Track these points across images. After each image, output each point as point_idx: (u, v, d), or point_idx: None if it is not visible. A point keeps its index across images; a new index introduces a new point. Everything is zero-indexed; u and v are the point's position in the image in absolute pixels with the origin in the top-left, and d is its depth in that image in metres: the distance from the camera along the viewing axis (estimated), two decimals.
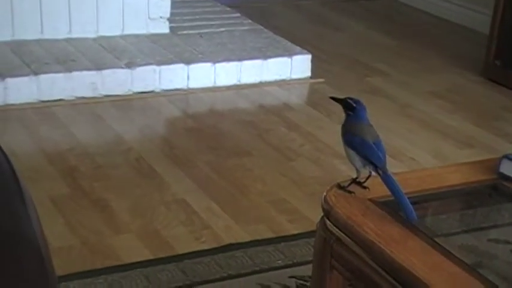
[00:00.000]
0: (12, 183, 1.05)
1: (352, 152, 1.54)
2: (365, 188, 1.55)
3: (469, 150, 3.04)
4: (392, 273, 1.35)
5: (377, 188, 1.51)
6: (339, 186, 1.56)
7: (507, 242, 1.74)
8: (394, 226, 1.43)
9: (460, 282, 1.30)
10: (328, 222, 1.51)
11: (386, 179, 1.48)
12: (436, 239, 1.46)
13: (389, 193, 1.48)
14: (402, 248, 1.37)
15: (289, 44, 3.82)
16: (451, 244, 1.56)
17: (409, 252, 1.35)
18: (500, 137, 3.18)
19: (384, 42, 4.41)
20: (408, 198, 1.48)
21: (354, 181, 1.56)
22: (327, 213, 1.50)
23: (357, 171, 1.55)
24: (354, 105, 1.56)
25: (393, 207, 1.49)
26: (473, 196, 1.78)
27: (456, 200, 1.77)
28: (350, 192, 1.55)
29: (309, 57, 3.70)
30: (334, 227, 1.49)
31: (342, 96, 1.60)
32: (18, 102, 3.12)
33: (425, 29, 4.77)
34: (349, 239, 1.45)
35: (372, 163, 1.50)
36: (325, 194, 1.54)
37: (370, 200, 1.52)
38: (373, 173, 1.52)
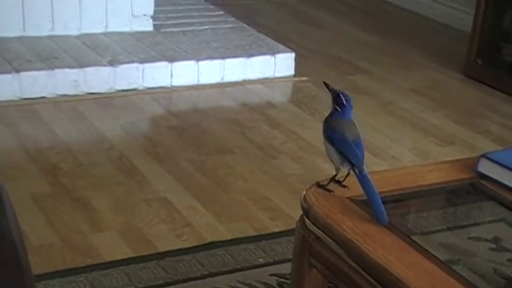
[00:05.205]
0: None
1: (331, 148, 1.54)
2: (344, 186, 1.56)
3: (450, 148, 3.06)
4: (369, 271, 1.36)
5: (356, 187, 1.51)
6: (319, 185, 1.57)
7: (487, 240, 1.76)
8: (372, 224, 1.44)
9: (436, 279, 1.31)
10: (307, 220, 1.52)
11: (362, 178, 1.48)
12: (414, 237, 1.47)
13: None
14: (379, 246, 1.37)
15: (273, 42, 3.82)
16: (431, 242, 1.57)
17: (386, 250, 1.36)
18: (481, 135, 3.21)
19: (366, 40, 4.43)
20: (387, 196, 1.48)
21: (333, 179, 1.57)
22: (306, 212, 1.51)
23: (336, 168, 1.55)
24: (344, 103, 1.53)
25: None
26: (453, 194, 1.79)
27: (435, 198, 1.78)
28: (329, 190, 1.55)
29: (292, 55, 3.70)
30: (313, 226, 1.50)
31: (331, 86, 1.57)
32: None
33: (407, 27, 4.80)
34: (327, 238, 1.46)
35: (349, 161, 1.50)
36: (304, 192, 1.54)
37: (348, 198, 1.53)
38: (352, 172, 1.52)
